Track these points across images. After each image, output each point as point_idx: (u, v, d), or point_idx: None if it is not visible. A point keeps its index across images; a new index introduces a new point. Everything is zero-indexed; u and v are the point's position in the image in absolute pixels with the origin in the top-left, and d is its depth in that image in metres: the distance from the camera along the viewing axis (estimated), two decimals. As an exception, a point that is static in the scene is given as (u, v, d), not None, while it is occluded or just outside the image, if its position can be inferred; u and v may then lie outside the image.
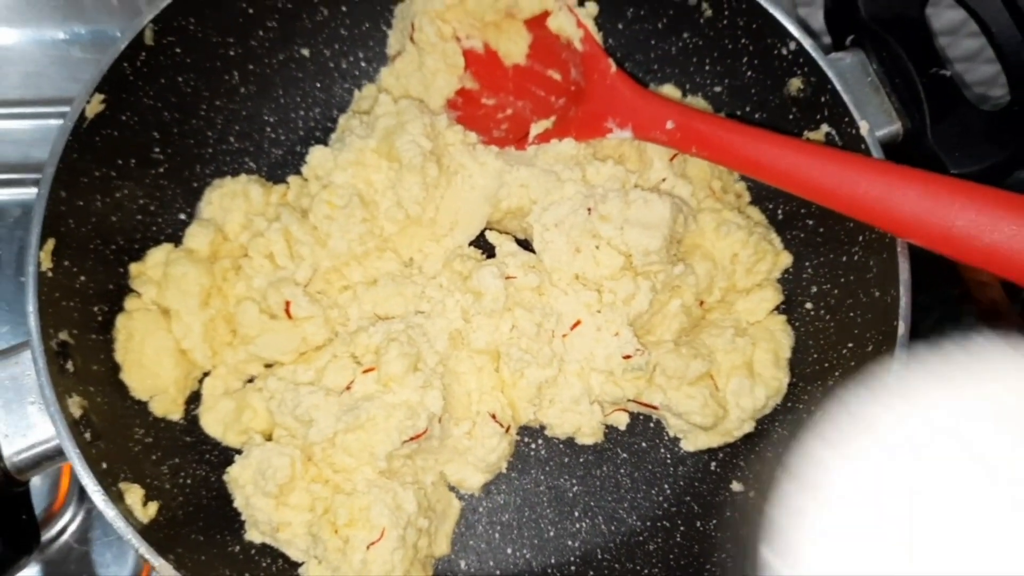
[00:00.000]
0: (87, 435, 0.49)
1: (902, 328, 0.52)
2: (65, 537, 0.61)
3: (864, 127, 0.56)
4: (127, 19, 0.76)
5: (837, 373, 0.56)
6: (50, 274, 0.51)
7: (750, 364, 0.58)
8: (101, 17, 0.77)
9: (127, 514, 0.48)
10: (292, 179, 0.63)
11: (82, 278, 0.54)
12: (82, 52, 0.76)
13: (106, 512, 0.47)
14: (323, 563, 0.52)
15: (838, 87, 0.56)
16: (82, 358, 0.52)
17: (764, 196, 0.63)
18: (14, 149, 0.73)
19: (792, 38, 0.58)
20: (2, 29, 0.76)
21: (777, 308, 0.60)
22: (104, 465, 0.49)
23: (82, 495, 0.62)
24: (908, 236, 0.53)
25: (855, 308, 0.56)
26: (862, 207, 0.53)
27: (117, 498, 0.48)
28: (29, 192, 0.71)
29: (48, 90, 0.75)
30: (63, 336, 0.51)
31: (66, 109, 0.71)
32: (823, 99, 0.58)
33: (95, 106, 0.53)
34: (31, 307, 0.49)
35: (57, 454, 0.48)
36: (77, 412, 0.49)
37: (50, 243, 0.51)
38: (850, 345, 0.56)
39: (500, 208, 0.61)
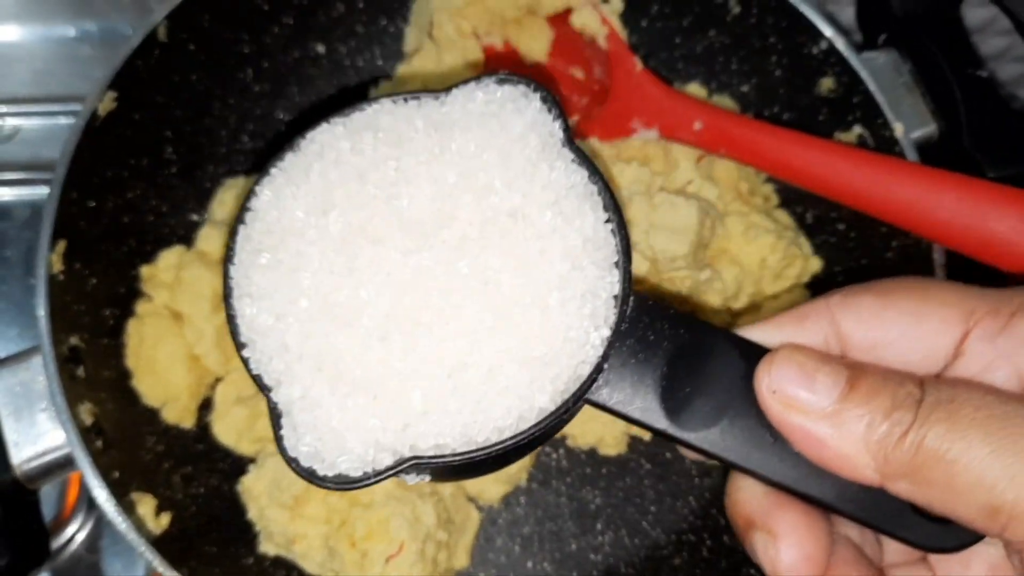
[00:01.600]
0: (99, 443, 0.47)
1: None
2: (74, 546, 0.59)
3: (899, 129, 0.54)
4: (138, 15, 0.75)
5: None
6: (61, 277, 0.49)
7: (779, 373, 0.56)
8: (112, 13, 0.75)
9: (140, 525, 0.47)
10: (307, 179, 0.62)
11: (93, 281, 0.53)
12: (92, 49, 0.75)
13: (118, 524, 0.46)
14: (340, 577, 0.50)
15: (871, 87, 0.55)
16: (93, 364, 0.50)
17: (793, 199, 0.61)
18: (23, 148, 0.72)
19: (823, 37, 0.56)
20: (11, 26, 0.74)
21: (806, 314, 0.59)
22: (116, 474, 0.47)
23: (91, 503, 0.60)
24: (945, 242, 0.51)
25: (888, 316, 0.55)
26: (897, 211, 0.52)
27: (129, 509, 0.47)
28: (38, 192, 0.70)
29: (57, 88, 0.74)
30: (74, 341, 0.49)
31: (76, 107, 0.71)
32: (855, 100, 0.56)
33: (107, 104, 0.52)
34: (42, 312, 0.47)
35: (68, 463, 0.47)
36: (88, 419, 0.48)
37: (61, 245, 0.50)
38: (883, 354, 0.54)
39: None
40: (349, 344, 0.29)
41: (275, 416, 0.30)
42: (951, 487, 0.26)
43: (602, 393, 0.30)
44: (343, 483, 0.29)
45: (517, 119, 0.32)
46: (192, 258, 0.56)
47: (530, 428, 0.29)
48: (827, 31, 0.56)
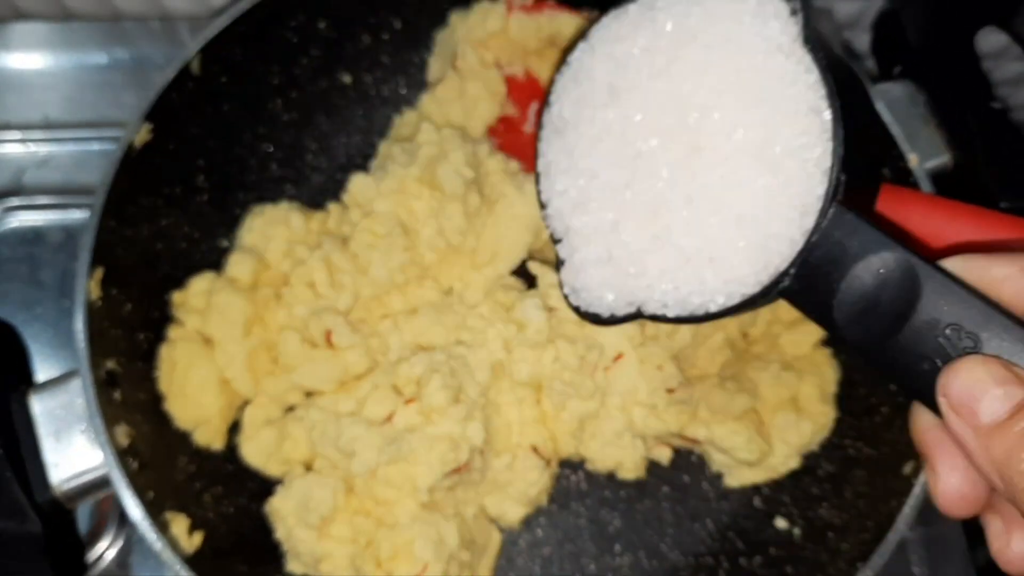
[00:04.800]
0: (135, 464, 0.49)
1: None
2: (105, 563, 0.61)
3: (914, 159, 0.55)
4: (169, 44, 0.77)
5: (884, 409, 0.55)
6: (99, 303, 0.51)
7: (796, 399, 0.57)
8: (143, 42, 0.77)
9: (174, 544, 0.48)
10: (332, 206, 0.63)
11: (128, 306, 0.54)
12: (123, 76, 0.77)
13: (153, 543, 0.47)
14: (366, 596, 0.52)
15: (887, 118, 0.56)
16: (128, 386, 0.52)
17: (808, 227, 0.62)
18: (56, 173, 0.74)
19: (839, 69, 0.57)
20: (45, 53, 0.76)
21: (822, 341, 0.59)
22: (151, 495, 0.49)
23: (122, 520, 0.62)
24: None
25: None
26: (912, 241, 0.53)
27: (164, 528, 0.48)
28: (71, 216, 0.71)
29: (90, 114, 0.76)
30: (110, 365, 0.51)
31: (108, 133, 0.73)
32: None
33: (143, 136, 0.54)
34: (81, 338, 0.49)
35: (105, 483, 0.48)
36: (125, 441, 0.49)
37: (99, 272, 0.51)
38: (898, 381, 0.55)
39: (541, 237, 0.61)
40: (608, 220, 0.40)
41: (559, 262, 0.43)
42: None
43: (791, 288, 0.34)
44: (593, 318, 0.41)
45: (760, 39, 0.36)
46: (222, 284, 0.58)
47: (731, 307, 0.36)
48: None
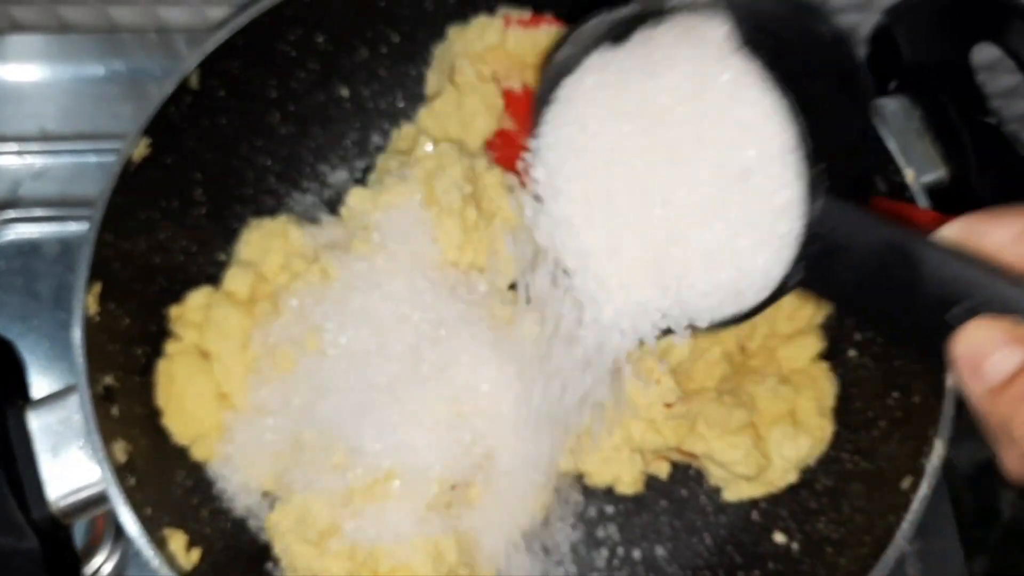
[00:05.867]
0: (132, 480, 0.49)
1: (950, 380, 0.52)
2: (101, 578, 0.61)
3: (910, 175, 0.55)
4: (166, 56, 0.77)
5: (882, 423, 0.55)
6: (97, 318, 0.51)
7: (793, 412, 0.57)
8: (140, 54, 0.77)
9: (172, 560, 0.48)
10: (330, 219, 0.63)
11: (126, 320, 0.54)
12: (120, 88, 0.77)
13: (151, 560, 0.47)
14: (364, 612, 0.52)
15: (882, 134, 0.56)
16: (126, 401, 0.52)
17: (805, 241, 0.63)
18: (52, 185, 0.74)
19: (835, 84, 0.58)
20: (41, 65, 0.76)
21: (820, 355, 0.60)
22: (148, 511, 0.49)
23: (117, 535, 0.62)
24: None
25: (901, 357, 0.56)
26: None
27: (162, 544, 0.48)
28: (67, 228, 0.71)
29: (86, 126, 0.76)
30: (108, 380, 0.51)
31: (104, 145, 0.73)
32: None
33: (141, 150, 0.54)
34: (79, 353, 0.49)
35: (102, 499, 0.48)
36: (122, 457, 0.49)
37: (96, 287, 0.51)
38: (896, 395, 0.55)
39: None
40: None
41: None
42: None
43: (804, 280, 0.37)
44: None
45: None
46: (220, 298, 0.58)
47: (756, 306, 0.39)
48: (839, 79, 0.57)
